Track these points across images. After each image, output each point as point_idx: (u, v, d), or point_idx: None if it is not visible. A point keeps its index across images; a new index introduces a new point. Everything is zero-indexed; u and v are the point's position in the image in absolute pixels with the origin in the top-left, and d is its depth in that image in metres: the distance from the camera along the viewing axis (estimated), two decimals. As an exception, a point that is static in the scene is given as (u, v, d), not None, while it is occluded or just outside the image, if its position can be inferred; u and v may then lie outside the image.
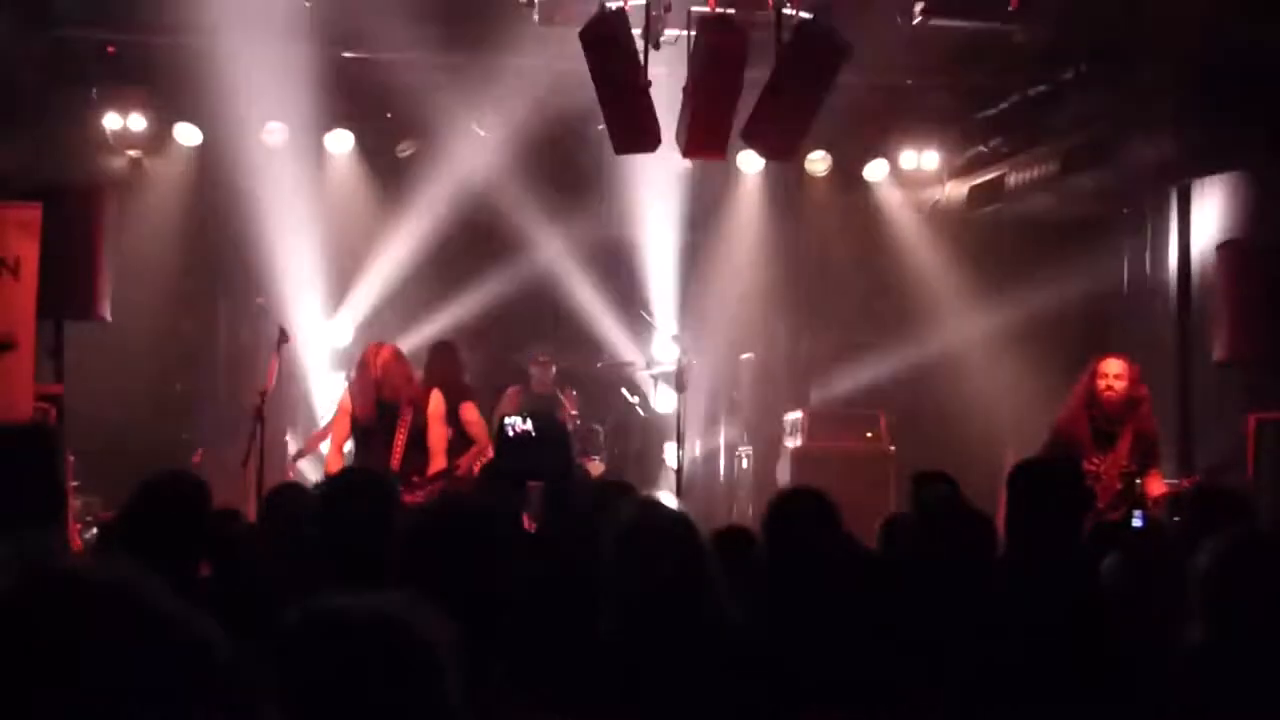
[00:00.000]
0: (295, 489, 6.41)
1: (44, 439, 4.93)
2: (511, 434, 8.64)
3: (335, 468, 9.08)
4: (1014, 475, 5.30)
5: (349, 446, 9.49)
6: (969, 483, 7.21)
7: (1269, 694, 3.46)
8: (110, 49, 11.72)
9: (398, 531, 4.02)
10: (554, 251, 13.90)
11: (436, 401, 9.34)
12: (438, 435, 9.25)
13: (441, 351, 10.81)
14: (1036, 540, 4.94)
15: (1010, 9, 10.59)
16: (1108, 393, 8.95)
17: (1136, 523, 7.98)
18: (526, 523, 7.76)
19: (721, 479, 14.25)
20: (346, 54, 11.86)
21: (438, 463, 9.23)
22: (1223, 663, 3.51)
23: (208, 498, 4.94)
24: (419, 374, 9.89)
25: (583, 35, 10.48)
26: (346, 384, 9.78)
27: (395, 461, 9.03)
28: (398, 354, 9.39)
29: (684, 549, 4.10)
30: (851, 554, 4.85)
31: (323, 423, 11.90)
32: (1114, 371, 9.00)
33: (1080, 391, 9.10)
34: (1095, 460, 8.55)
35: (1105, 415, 8.90)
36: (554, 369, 12.48)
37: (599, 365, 13.09)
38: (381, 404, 9.24)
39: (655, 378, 13.16)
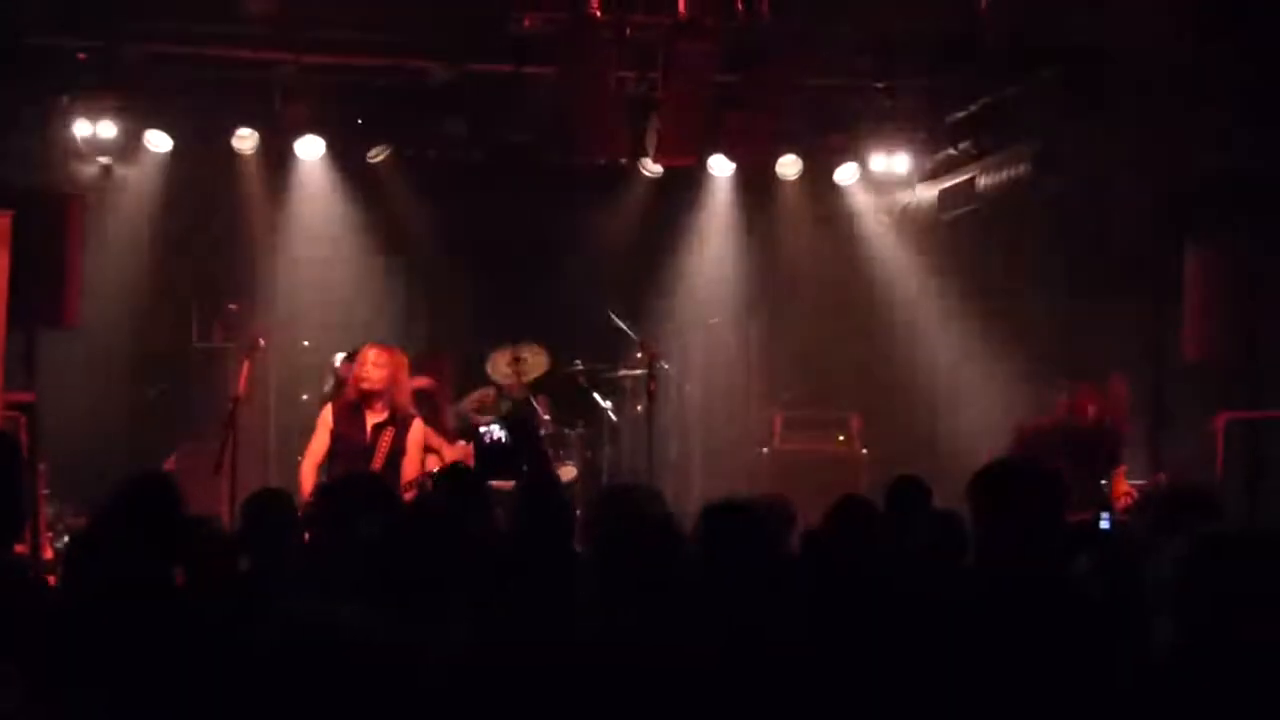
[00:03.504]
0: (274, 494, 6.40)
1: (3, 450, 4.90)
2: (488, 441, 8.76)
3: (310, 483, 9.04)
4: (980, 479, 5.19)
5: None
6: (941, 486, 7.25)
7: (1237, 694, 3.48)
8: (80, 56, 11.68)
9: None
10: (525, 256, 13.92)
11: (417, 431, 9.33)
12: (413, 461, 9.25)
13: None
14: (1006, 544, 4.93)
15: (980, 11, 10.64)
16: (1082, 420, 9.15)
17: (1104, 525, 8.04)
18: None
19: (695, 483, 14.26)
20: (316, 59, 11.84)
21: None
22: (1190, 663, 3.53)
23: (180, 499, 4.94)
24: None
25: (554, 42, 10.53)
26: (329, 400, 9.77)
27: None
28: (393, 358, 9.40)
29: (667, 551, 4.13)
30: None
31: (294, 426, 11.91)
32: (1089, 399, 9.21)
33: (1056, 416, 9.30)
34: (1060, 464, 8.62)
35: (1078, 438, 9.09)
36: (526, 373, 12.48)
37: (571, 370, 13.08)
38: (361, 398, 9.24)
39: (628, 382, 13.16)
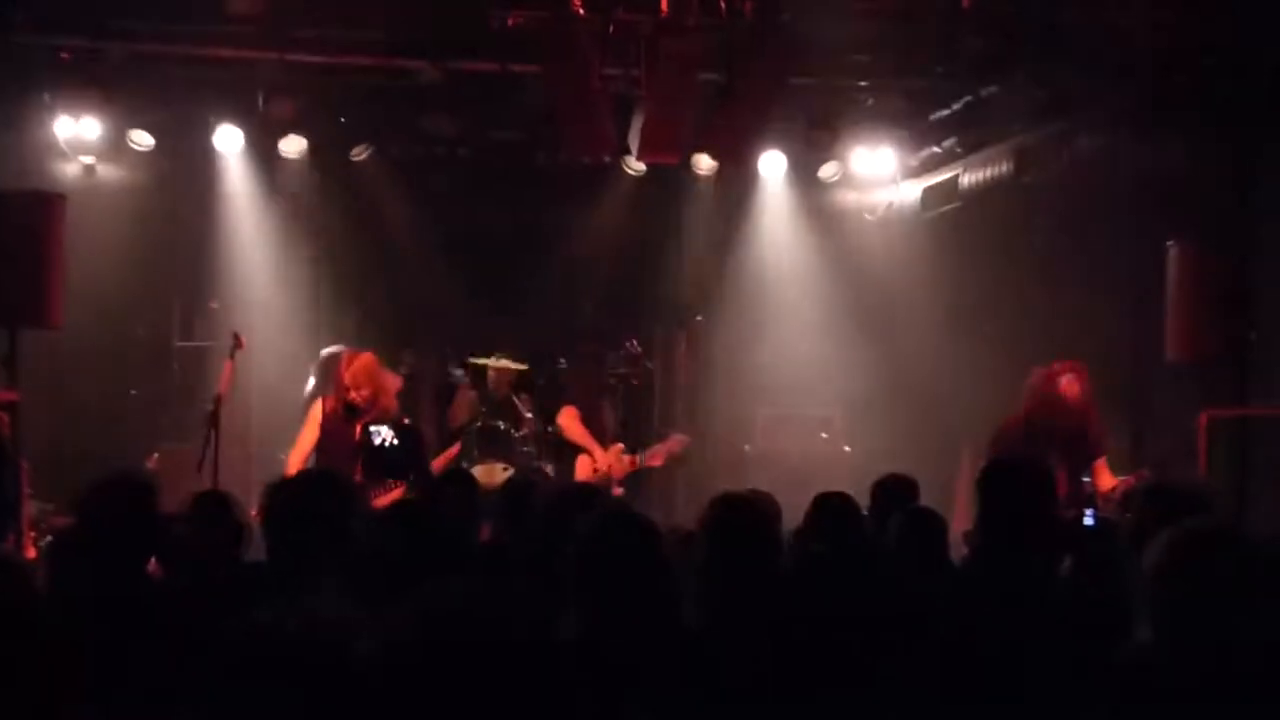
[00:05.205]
0: (219, 496, 6.38)
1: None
2: (375, 441, 9.02)
3: None
4: (986, 475, 5.15)
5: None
6: (925, 482, 7.27)
7: (1217, 690, 3.47)
8: (63, 55, 11.64)
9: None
10: (510, 254, 13.91)
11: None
12: None
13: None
14: (1000, 541, 4.90)
15: (963, 10, 10.64)
16: (1057, 400, 9.13)
17: (1088, 521, 8.06)
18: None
19: (678, 481, 14.25)
20: (299, 58, 11.80)
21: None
22: (1170, 658, 3.52)
23: (155, 496, 4.92)
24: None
25: (538, 40, 10.52)
26: (320, 396, 9.81)
27: (357, 477, 9.08)
28: (373, 364, 9.47)
29: (646, 555, 4.12)
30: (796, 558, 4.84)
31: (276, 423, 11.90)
32: (1065, 380, 9.18)
33: (1030, 398, 9.27)
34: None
35: (1053, 421, 9.06)
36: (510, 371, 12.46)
37: (556, 368, 13.06)
38: (350, 409, 9.31)
39: (611, 380, 13.15)
